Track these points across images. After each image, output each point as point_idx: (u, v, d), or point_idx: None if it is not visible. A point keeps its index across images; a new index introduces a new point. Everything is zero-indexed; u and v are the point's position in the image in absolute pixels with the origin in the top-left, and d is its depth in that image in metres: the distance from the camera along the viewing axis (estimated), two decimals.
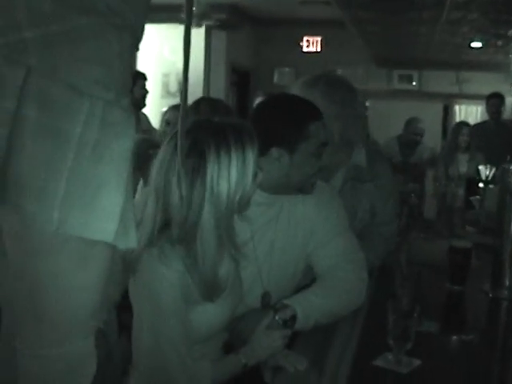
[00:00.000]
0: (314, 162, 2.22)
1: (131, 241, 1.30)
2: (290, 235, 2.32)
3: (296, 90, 2.84)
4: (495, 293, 2.60)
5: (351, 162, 2.96)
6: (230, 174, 1.74)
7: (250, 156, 1.78)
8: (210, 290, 1.78)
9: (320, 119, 2.25)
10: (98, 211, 1.18)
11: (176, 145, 1.69)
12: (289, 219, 2.33)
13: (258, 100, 5.48)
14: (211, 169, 1.72)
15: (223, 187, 1.74)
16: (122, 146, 1.20)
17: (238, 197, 1.78)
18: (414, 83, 12.00)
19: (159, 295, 1.71)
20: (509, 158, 4.74)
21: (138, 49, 1.28)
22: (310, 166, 2.22)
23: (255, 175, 1.83)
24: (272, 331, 1.94)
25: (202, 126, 1.80)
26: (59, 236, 1.19)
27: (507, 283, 2.58)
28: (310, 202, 2.34)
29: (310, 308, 2.06)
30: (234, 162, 1.75)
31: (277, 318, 1.99)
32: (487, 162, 5.83)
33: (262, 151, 2.02)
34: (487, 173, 5.27)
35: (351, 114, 2.86)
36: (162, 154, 1.78)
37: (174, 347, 1.73)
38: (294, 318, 2.01)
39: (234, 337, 2.05)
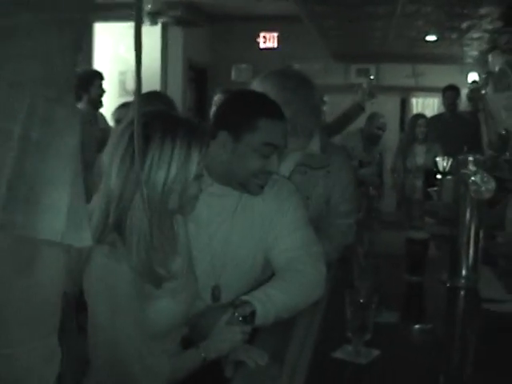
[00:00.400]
0: (257, 158, 2.20)
1: (84, 238, 1.29)
2: (248, 228, 2.33)
3: (253, 84, 2.87)
4: (452, 282, 2.63)
5: (307, 148, 2.98)
6: (171, 165, 1.75)
7: (195, 156, 1.79)
8: (151, 278, 1.78)
9: (274, 119, 2.23)
10: (43, 210, 1.17)
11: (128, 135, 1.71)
12: (246, 212, 2.33)
13: (216, 97, 5.47)
14: (152, 155, 1.73)
15: (160, 176, 1.74)
16: (67, 144, 1.18)
17: (175, 193, 1.79)
18: (371, 77, 12.08)
19: (113, 291, 1.70)
20: (465, 149, 4.79)
21: (81, 48, 1.26)
22: (252, 162, 2.20)
23: (198, 177, 1.84)
24: (232, 326, 1.94)
25: (156, 114, 1.82)
26: (5, 236, 1.17)
27: (464, 272, 2.61)
28: (268, 197, 2.35)
29: (269, 304, 2.06)
30: (176, 156, 1.75)
31: (236, 314, 1.99)
32: (444, 153, 5.89)
33: (213, 134, 2.11)
34: (444, 164, 5.32)
35: (302, 101, 2.87)
36: (111, 145, 1.79)
37: (130, 342, 1.72)
38: (253, 314, 2.02)
39: (194, 333, 2.05)
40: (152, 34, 9.11)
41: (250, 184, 2.25)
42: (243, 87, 3.37)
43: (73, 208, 1.21)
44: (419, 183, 5.60)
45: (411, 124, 7.22)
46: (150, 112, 1.80)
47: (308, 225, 2.42)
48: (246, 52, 11.06)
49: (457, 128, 7.28)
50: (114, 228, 1.74)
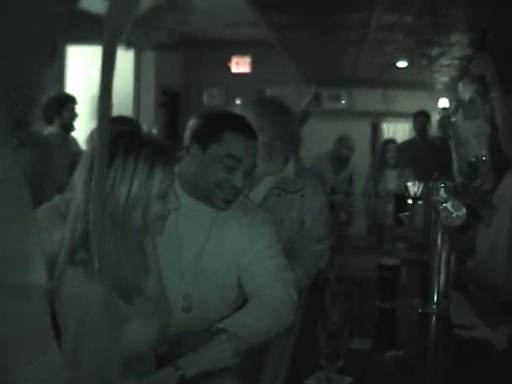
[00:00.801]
0: (220, 170, 2.25)
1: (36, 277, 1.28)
2: (221, 246, 2.35)
3: (232, 110, 2.92)
4: (424, 308, 2.64)
5: (282, 173, 3.02)
6: (133, 182, 1.78)
7: (158, 174, 1.81)
8: (121, 294, 1.77)
9: (240, 134, 2.28)
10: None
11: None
12: (221, 233, 2.36)
13: (192, 121, 5.48)
14: (114, 171, 1.76)
15: (122, 192, 1.77)
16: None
17: (138, 211, 1.81)
18: (342, 102, 12.18)
19: (85, 313, 1.69)
20: (436, 174, 4.82)
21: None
22: (215, 173, 2.25)
23: (162, 196, 1.85)
24: (224, 341, 1.93)
25: (121, 133, 1.83)
26: None
27: (435, 298, 2.63)
28: (243, 223, 2.39)
29: (244, 332, 2.07)
30: (138, 173, 1.78)
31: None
32: (416, 178, 5.92)
33: (188, 149, 2.28)
34: (415, 189, 5.34)
35: (278, 127, 2.92)
36: (80, 164, 1.80)
37: (100, 364, 1.70)
38: None
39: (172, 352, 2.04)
40: (125, 58, 9.10)
41: (214, 196, 2.28)
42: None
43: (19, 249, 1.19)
44: (390, 208, 5.63)
45: (382, 149, 7.28)
46: (115, 131, 1.82)
47: (280, 252, 2.45)
48: (219, 76, 11.11)
49: (427, 153, 7.34)
50: (81, 244, 1.73)
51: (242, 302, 2.39)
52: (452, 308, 2.63)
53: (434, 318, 2.62)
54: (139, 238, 1.95)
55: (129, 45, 9.05)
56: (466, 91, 3.90)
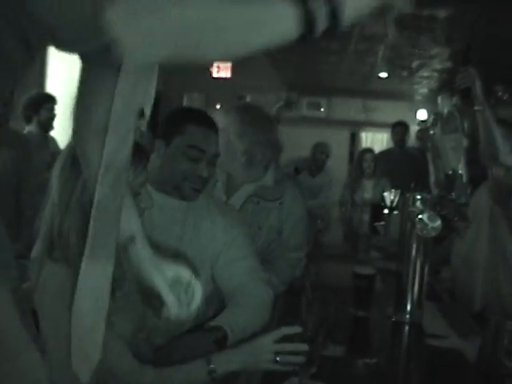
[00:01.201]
0: (185, 161, 2.32)
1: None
2: (195, 246, 2.38)
3: (216, 116, 2.96)
4: (398, 317, 2.67)
5: (261, 181, 3.05)
6: None
7: (130, 173, 1.80)
8: None
9: (200, 125, 2.36)
10: None
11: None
12: (196, 231, 2.40)
13: None
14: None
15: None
16: None
17: None
18: (322, 110, 12.23)
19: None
20: (413, 184, 4.85)
21: None
22: (180, 164, 2.32)
23: (136, 195, 1.87)
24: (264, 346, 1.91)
25: None
26: None
27: (409, 308, 2.66)
28: (217, 221, 2.44)
29: (236, 329, 2.09)
30: None
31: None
32: (392, 188, 5.95)
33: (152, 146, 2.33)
34: (392, 199, 5.38)
35: (260, 134, 2.96)
36: (56, 164, 1.81)
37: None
38: (225, 338, 2.05)
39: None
40: None
41: (183, 187, 2.35)
42: None
43: None
44: (366, 217, 5.65)
45: (359, 158, 7.31)
46: None
47: (254, 252, 2.52)
48: (199, 81, 11.10)
49: (405, 164, 7.38)
50: (58, 240, 1.74)
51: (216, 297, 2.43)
52: (425, 318, 2.66)
53: (406, 327, 2.65)
54: None
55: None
56: (444, 105, 3.96)
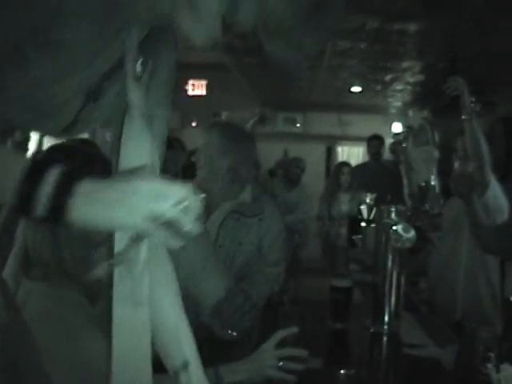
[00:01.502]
0: None
1: None
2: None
3: (200, 132, 3.01)
4: (375, 328, 2.70)
5: (239, 198, 3.07)
6: None
7: None
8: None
9: None
10: None
11: None
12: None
13: None
14: None
15: None
16: None
17: None
18: (298, 125, 12.29)
19: (62, 319, 1.68)
20: (389, 197, 4.90)
21: None
22: None
23: None
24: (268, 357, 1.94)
25: (58, 147, 1.85)
26: None
27: (386, 318, 2.69)
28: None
29: None
30: None
31: None
32: (369, 200, 5.98)
33: None
34: (368, 212, 5.42)
35: (242, 152, 2.99)
36: None
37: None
38: None
39: None
40: None
41: None
42: (171, 134, 3.45)
43: None
44: (344, 231, 5.69)
45: (335, 172, 7.36)
46: (55, 145, 1.83)
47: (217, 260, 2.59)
48: (174, 99, 11.08)
49: (381, 177, 7.41)
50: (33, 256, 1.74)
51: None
52: (403, 328, 2.70)
53: (385, 338, 2.68)
54: None
55: None
56: (415, 118, 4.02)
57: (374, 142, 7.76)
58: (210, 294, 2.44)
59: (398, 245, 2.57)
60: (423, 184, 3.64)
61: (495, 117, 8.22)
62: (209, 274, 2.47)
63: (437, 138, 5.66)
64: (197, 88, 11.19)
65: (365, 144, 8.28)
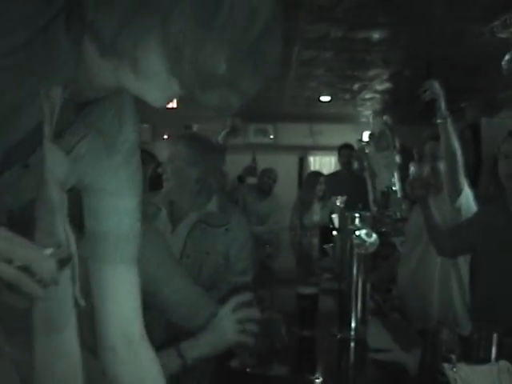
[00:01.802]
0: None
1: None
2: None
3: (165, 144, 3.04)
4: (342, 334, 2.71)
5: (205, 208, 3.09)
6: None
7: None
8: None
9: None
10: None
11: None
12: None
13: None
14: None
15: None
16: None
17: None
18: (270, 136, 12.31)
19: None
20: (360, 205, 4.93)
21: None
22: None
23: None
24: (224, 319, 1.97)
25: None
26: None
27: (353, 324, 2.70)
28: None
29: None
30: None
31: None
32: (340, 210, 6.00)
33: None
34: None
35: (209, 163, 3.01)
36: None
37: None
38: None
39: None
40: None
41: None
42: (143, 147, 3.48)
43: None
44: (316, 240, 5.71)
45: (307, 182, 7.41)
46: None
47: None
48: (145, 112, 11.03)
49: (352, 185, 7.45)
50: None
51: None
52: (369, 333, 2.71)
53: (352, 344, 2.69)
54: None
55: None
56: (376, 124, 4.06)
57: (345, 151, 7.80)
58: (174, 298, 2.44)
59: (362, 250, 2.59)
60: (385, 189, 3.67)
61: (464, 124, 8.34)
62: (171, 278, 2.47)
63: (397, 142, 5.71)
64: None
65: (336, 153, 8.32)
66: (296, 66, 6.81)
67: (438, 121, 3.52)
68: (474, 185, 7.07)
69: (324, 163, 12.46)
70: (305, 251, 5.98)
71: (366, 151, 6.61)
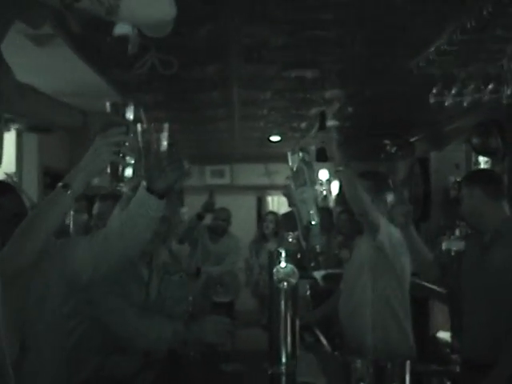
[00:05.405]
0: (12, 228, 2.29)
1: None
2: None
3: None
4: (274, 369, 2.73)
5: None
6: None
7: None
8: None
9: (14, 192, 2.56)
10: None
11: None
12: None
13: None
14: None
15: None
16: None
17: None
18: (226, 177, 12.35)
19: None
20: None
21: None
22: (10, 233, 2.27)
23: None
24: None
25: None
26: None
27: (284, 359, 2.73)
28: None
29: None
30: None
31: None
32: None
33: None
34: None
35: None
36: None
37: None
38: None
39: None
40: (7, 141, 8.88)
41: None
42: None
43: None
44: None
45: (262, 222, 7.49)
46: None
47: None
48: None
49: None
50: None
51: None
52: (299, 367, 2.73)
53: (283, 378, 2.71)
54: None
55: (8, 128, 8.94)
56: (293, 161, 4.12)
57: None
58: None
59: (282, 283, 2.63)
60: (306, 224, 3.74)
61: (414, 158, 8.44)
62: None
63: (315, 177, 5.76)
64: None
65: None
66: (239, 107, 6.86)
67: (336, 168, 3.59)
68: (425, 217, 7.15)
69: (282, 202, 12.35)
70: (261, 290, 5.98)
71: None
